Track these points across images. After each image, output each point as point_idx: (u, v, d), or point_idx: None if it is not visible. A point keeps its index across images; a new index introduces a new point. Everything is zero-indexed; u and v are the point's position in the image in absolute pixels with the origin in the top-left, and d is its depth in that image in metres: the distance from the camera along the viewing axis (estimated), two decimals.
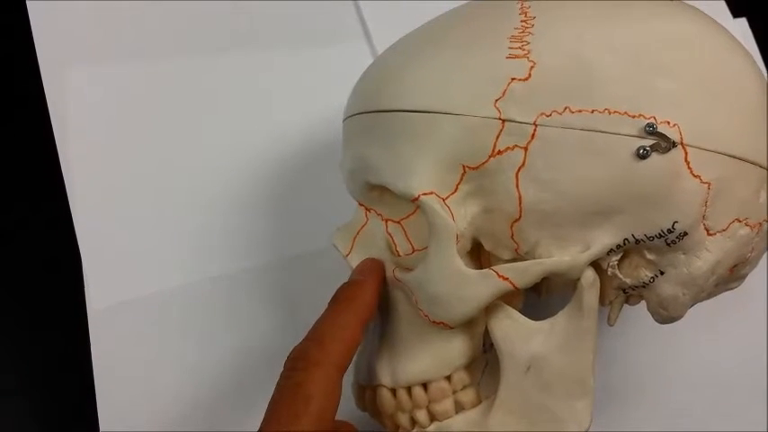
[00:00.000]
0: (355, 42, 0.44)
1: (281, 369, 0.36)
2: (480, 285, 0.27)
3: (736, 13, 0.50)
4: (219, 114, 0.41)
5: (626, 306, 0.32)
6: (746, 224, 0.28)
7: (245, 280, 0.39)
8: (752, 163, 0.27)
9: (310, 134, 0.42)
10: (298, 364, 0.27)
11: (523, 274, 0.27)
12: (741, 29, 0.49)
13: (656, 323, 0.30)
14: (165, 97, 0.40)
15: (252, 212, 0.40)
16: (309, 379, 0.26)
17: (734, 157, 0.27)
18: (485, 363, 0.31)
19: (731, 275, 0.29)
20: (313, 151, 0.42)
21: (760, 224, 0.28)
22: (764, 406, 0.43)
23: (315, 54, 0.43)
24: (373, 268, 0.30)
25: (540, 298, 0.36)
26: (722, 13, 0.50)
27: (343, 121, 0.32)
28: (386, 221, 0.31)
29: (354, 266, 0.31)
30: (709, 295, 0.30)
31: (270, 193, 0.41)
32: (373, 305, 0.29)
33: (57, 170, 0.37)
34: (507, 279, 0.27)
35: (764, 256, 0.32)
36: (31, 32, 0.39)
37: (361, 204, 0.32)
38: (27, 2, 0.39)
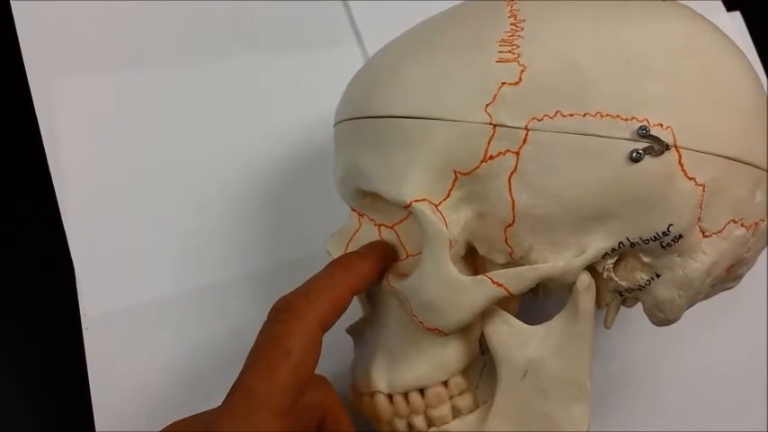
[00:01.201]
0: (347, 45, 0.44)
1: None
2: (474, 292, 0.27)
3: (729, 7, 0.50)
4: (211, 121, 0.40)
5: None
6: (742, 225, 0.28)
7: (240, 285, 0.39)
8: (746, 163, 0.27)
9: (303, 138, 0.42)
10: (281, 316, 0.26)
11: (518, 279, 0.27)
12: (735, 22, 0.49)
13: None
14: (157, 103, 0.40)
15: (246, 218, 0.40)
16: (291, 332, 0.26)
17: (728, 158, 0.27)
18: (482, 365, 0.31)
19: (728, 276, 0.29)
20: (306, 155, 0.41)
21: (756, 224, 0.28)
22: (764, 405, 0.43)
23: (307, 57, 0.43)
24: (379, 247, 0.30)
25: (538, 299, 0.36)
26: (716, 6, 0.49)
27: (334, 126, 0.32)
28: (379, 227, 0.31)
29: None
30: (706, 296, 0.30)
31: (264, 199, 0.40)
32: (368, 278, 0.29)
33: (47, 179, 0.37)
34: (501, 285, 0.27)
35: (762, 254, 0.32)
36: (17, 39, 0.38)
37: (353, 210, 0.32)
38: (13, 6, 0.39)
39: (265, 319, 0.27)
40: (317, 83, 0.42)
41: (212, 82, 0.41)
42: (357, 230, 0.31)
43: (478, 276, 0.27)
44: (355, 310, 0.33)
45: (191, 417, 0.26)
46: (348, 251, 0.31)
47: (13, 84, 0.38)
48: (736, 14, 0.50)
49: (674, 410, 0.41)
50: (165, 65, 0.41)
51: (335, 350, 0.36)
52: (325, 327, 0.27)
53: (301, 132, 0.42)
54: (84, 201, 0.37)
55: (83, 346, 0.36)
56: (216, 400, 0.37)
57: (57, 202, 0.37)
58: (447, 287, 0.27)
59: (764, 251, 0.32)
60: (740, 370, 0.43)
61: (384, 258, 0.30)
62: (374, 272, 0.29)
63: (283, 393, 0.24)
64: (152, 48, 0.41)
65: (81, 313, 0.36)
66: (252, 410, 0.24)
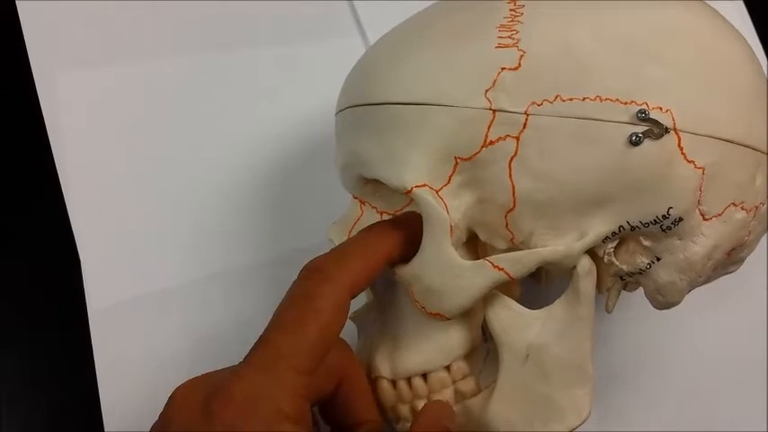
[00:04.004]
0: (350, 36, 0.44)
1: None
2: (475, 276, 0.27)
3: None
4: (214, 112, 0.41)
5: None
6: (742, 208, 0.28)
7: (245, 276, 0.39)
8: (746, 147, 0.27)
9: (306, 130, 0.42)
10: (312, 275, 0.26)
11: (518, 263, 0.27)
12: (738, 11, 0.49)
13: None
14: (159, 96, 0.40)
15: (248, 209, 0.40)
16: (321, 292, 0.26)
17: (728, 141, 0.27)
18: (486, 352, 0.31)
19: (729, 259, 0.29)
20: (309, 146, 0.42)
21: (756, 207, 0.28)
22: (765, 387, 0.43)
23: (310, 49, 0.43)
24: (417, 217, 0.29)
25: (541, 285, 0.36)
26: None
27: (336, 115, 0.32)
28: (381, 214, 0.31)
29: None
30: (707, 280, 0.30)
31: (266, 190, 0.41)
32: (403, 248, 0.28)
33: (52, 171, 0.37)
34: (502, 269, 0.27)
35: (763, 238, 0.32)
36: (21, 32, 0.39)
37: (355, 197, 0.32)
38: (17, 3, 0.39)
39: (277, 304, 0.27)
40: (319, 74, 0.42)
41: (215, 73, 0.41)
42: (359, 218, 0.32)
43: (479, 261, 0.28)
44: (359, 297, 0.33)
45: (209, 372, 0.26)
46: None
47: (17, 77, 0.38)
48: (740, 3, 0.49)
49: (676, 395, 0.41)
50: (168, 56, 0.41)
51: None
52: (355, 292, 0.27)
53: (304, 123, 0.42)
54: (89, 192, 0.38)
55: (89, 337, 0.36)
56: None
57: (62, 193, 0.37)
58: (448, 272, 0.27)
59: (766, 235, 0.32)
60: (743, 353, 0.43)
61: (419, 229, 0.29)
62: (410, 241, 0.29)
63: (309, 352, 0.25)
64: (156, 39, 0.41)
65: (87, 304, 0.36)
66: (276, 366, 0.24)
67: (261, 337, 0.25)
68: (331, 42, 0.43)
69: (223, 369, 0.26)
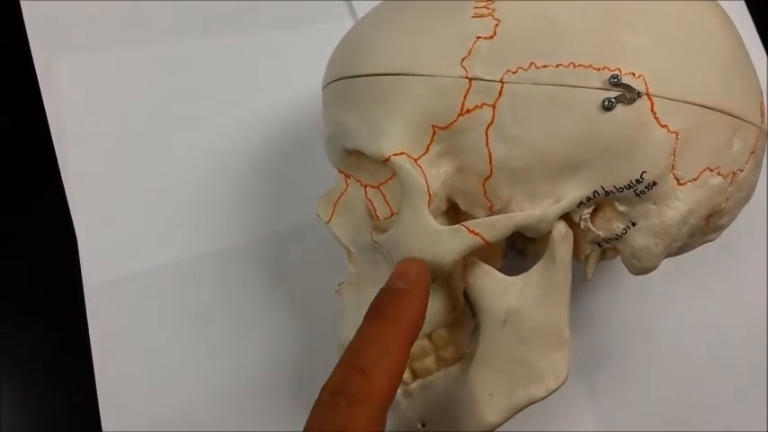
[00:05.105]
0: (341, 19, 0.44)
1: (277, 342, 0.35)
2: (451, 241, 0.28)
3: None
4: (207, 94, 0.41)
5: (611, 266, 0.32)
6: (719, 173, 0.28)
7: (240, 254, 0.40)
8: (722, 112, 0.27)
9: (297, 111, 0.42)
10: (338, 400, 0.22)
11: (493, 228, 0.28)
12: (738, 11, 0.48)
13: (644, 283, 0.30)
14: (154, 79, 0.41)
15: (242, 189, 0.41)
16: (352, 421, 0.22)
17: (703, 106, 0.27)
18: (472, 327, 0.32)
19: (707, 226, 0.29)
20: (301, 128, 0.42)
21: (733, 173, 0.28)
22: (762, 364, 0.42)
23: (302, 32, 0.44)
24: (420, 272, 0.26)
25: (527, 260, 0.37)
26: None
27: (322, 90, 0.33)
28: (365, 187, 0.31)
29: (346, 236, 0.32)
30: (685, 246, 0.30)
31: (261, 170, 0.41)
32: (421, 321, 0.25)
33: (50, 148, 0.38)
34: (477, 234, 0.28)
35: (756, 210, 0.32)
36: (22, 18, 0.40)
37: (340, 171, 0.32)
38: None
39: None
40: (311, 57, 0.42)
41: (210, 57, 0.42)
42: (344, 192, 0.32)
43: (455, 226, 0.28)
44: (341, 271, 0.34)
45: None
46: (336, 211, 0.32)
47: (17, 62, 0.39)
48: (740, 3, 0.49)
49: (664, 371, 0.41)
50: (161, 42, 0.42)
51: (325, 309, 0.37)
52: (387, 407, 0.23)
53: (296, 105, 0.42)
54: (86, 172, 0.39)
55: (85, 315, 0.37)
56: (217, 366, 0.38)
57: (59, 173, 0.38)
58: (425, 237, 0.28)
59: (763, 207, 0.32)
60: (729, 329, 0.43)
61: (428, 284, 0.26)
62: (425, 309, 0.25)
63: None
64: (141, 31, 0.42)
65: (83, 282, 0.37)
66: None
67: None
68: (323, 26, 0.44)
69: None
